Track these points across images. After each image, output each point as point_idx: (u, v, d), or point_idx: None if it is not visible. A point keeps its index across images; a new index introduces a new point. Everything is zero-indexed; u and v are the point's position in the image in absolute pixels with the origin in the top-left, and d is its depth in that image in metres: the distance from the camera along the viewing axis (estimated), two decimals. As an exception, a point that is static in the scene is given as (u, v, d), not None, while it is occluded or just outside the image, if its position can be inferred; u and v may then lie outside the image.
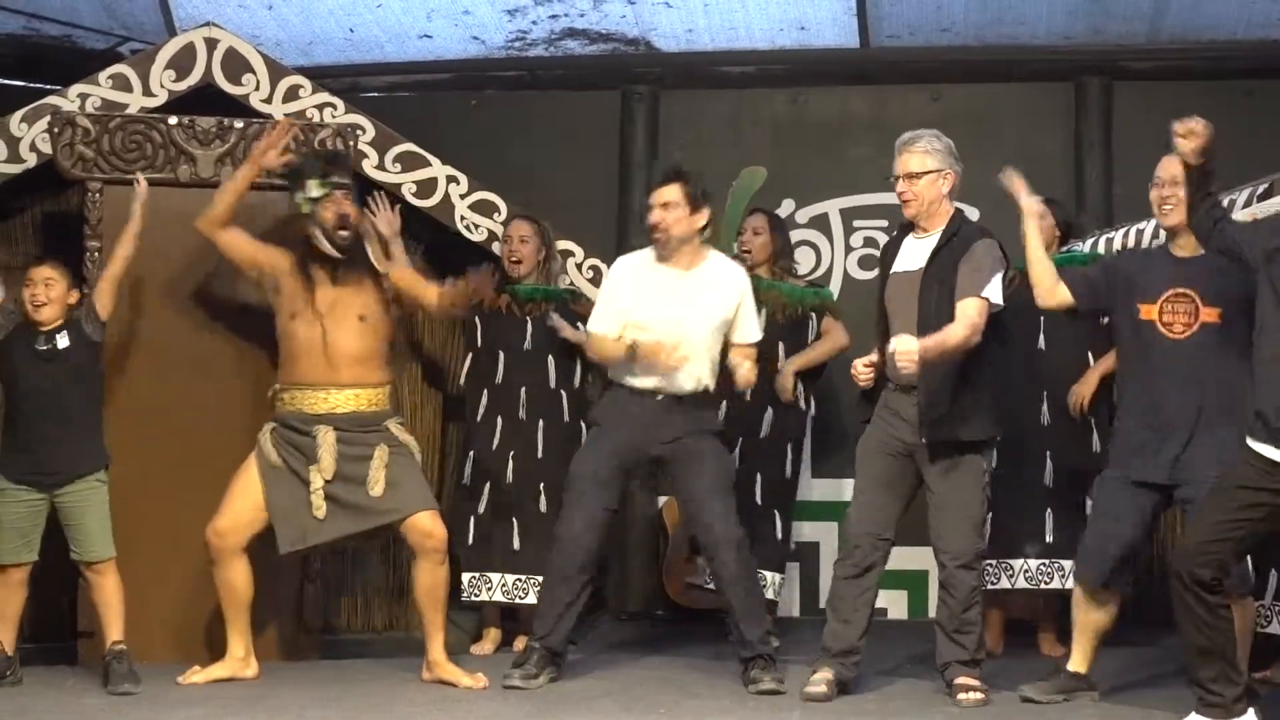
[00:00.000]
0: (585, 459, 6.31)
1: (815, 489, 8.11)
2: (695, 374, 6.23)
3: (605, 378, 6.45)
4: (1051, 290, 5.92)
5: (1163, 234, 5.99)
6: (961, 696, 5.82)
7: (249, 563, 6.28)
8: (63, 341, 6.21)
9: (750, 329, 6.34)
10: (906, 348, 5.66)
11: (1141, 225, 7.12)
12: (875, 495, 5.99)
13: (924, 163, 5.96)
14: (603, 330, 6.33)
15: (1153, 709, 5.71)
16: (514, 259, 7.14)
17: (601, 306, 6.38)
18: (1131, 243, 7.08)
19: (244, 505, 6.25)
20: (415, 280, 6.47)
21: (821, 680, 5.94)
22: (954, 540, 5.89)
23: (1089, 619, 5.86)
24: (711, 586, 6.70)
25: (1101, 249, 7.23)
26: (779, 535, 7.18)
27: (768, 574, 7.04)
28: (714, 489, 6.19)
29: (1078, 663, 5.90)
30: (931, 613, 6.68)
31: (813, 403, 7.39)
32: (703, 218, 6.25)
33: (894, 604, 8.11)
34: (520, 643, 6.91)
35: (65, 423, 6.18)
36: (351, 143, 6.97)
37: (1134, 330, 5.76)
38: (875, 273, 6.47)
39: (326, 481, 6.19)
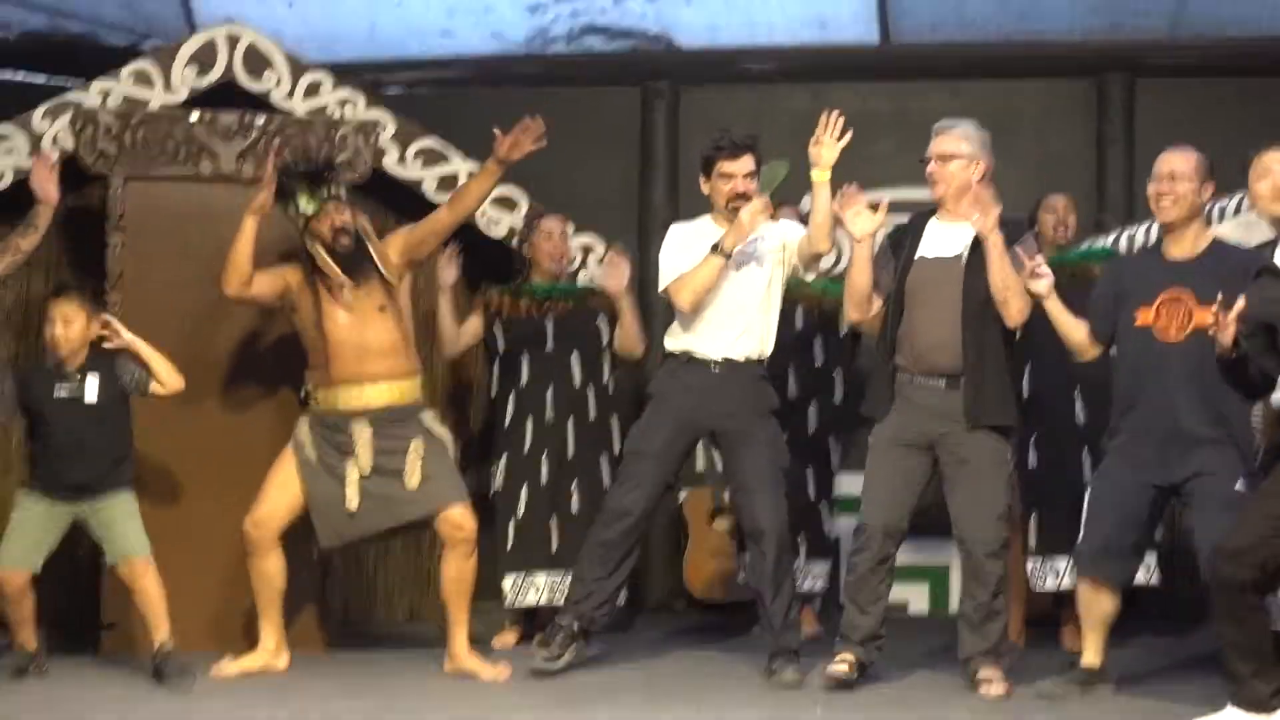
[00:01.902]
0: (642, 432, 6.29)
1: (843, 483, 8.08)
2: (746, 338, 6.20)
3: (665, 348, 6.39)
4: (1087, 346, 5.95)
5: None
6: (984, 690, 5.82)
7: (283, 555, 6.31)
8: (90, 393, 6.16)
9: (798, 230, 6.27)
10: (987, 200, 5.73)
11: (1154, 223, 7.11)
12: (891, 487, 5.99)
13: (958, 146, 5.99)
14: (680, 270, 6.24)
15: (1170, 701, 5.70)
16: (557, 255, 7.15)
17: (668, 261, 6.30)
18: (1153, 240, 7.07)
19: (282, 497, 6.27)
20: (416, 229, 6.43)
21: (844, 661, 5.95)
22: (981, 529, 5.89)
23: (1098, 611, 5.86)
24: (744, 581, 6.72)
25: (1123, 246, 7.23)
26: (825, 529, 7.24)
27: (813, 567, 7.08)
28: (763, 478, 6.17)
29: (1091, 657, 5.89)
30: (953, 607, 6.69)
31: (821, 393, 7.34)
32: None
33: (915, 597, 8.09)
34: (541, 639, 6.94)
35: (94, 455, 6.16)
36: (372, 138, 6.98)
37: (1131, 337, 5.76)
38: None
39: (363, 477, 6.21)
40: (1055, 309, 5.92)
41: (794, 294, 6.88)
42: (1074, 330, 5.94)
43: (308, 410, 6.38)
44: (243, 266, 6.27)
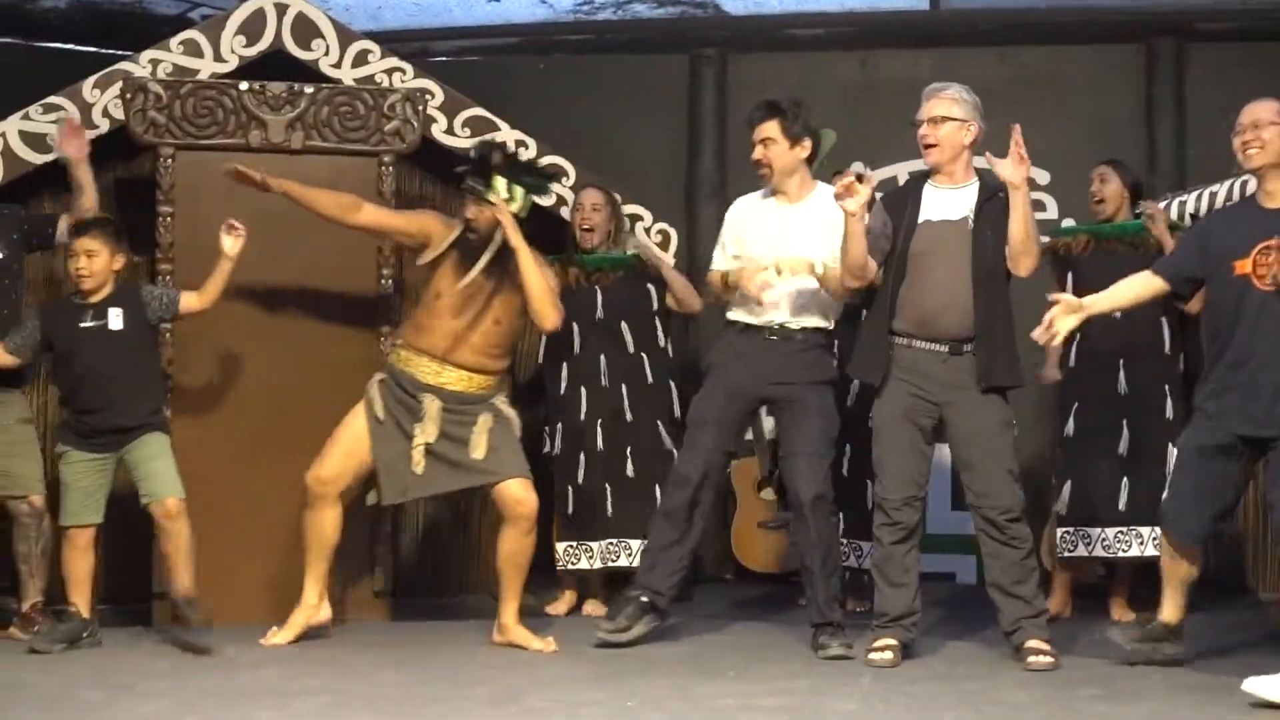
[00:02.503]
0: (701, 402, 6.32)
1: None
2: (804, 308, 6.20)
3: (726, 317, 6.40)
4: (1146, 289, 5.90)
5: (1238, 192, 5.94)
6: (1031, 660, 5.81)
7: (341, 512, 6.34)
8: (115, 321, 6.24)
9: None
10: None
11: (1215, 188, 7.07)
12: (904, 457, 5.98)
13: (949, 109, 5.96)
14: (715, 268, 6.36)
15: (1221, 674, 5.68)
16: (586, 227, 7.14)
17: (717, 249, 6.41)
18: (1204, 206, 7.04)
19: (349, 455, 6.30)
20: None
21: (885, 647, 5.94)
22: (1000, 494, 5.89)
23: (1180, 573, 5.83)
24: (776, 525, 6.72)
25: (1174, 212, 7.19)
26: (869, 505, 7.15)
27: (863, 544, 7.04)
28: (812, 448, 6.17)
29: (1170, 613, 5.86)
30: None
31: None
32: (805, 149, 6.23)
33: (963, 569, 8.08)
34: (591, 607, 6.96)
35: (121, 392, 6.22)
36: (421, 107, 6.98)
37: (1227, 287, 5.70)
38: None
39: (429, 442, 6.24)
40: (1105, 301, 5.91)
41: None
42: (1131, 291, 5.90)
43: (383, 366, 6.41)
44: (327, 215, 6.40)
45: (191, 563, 6.18)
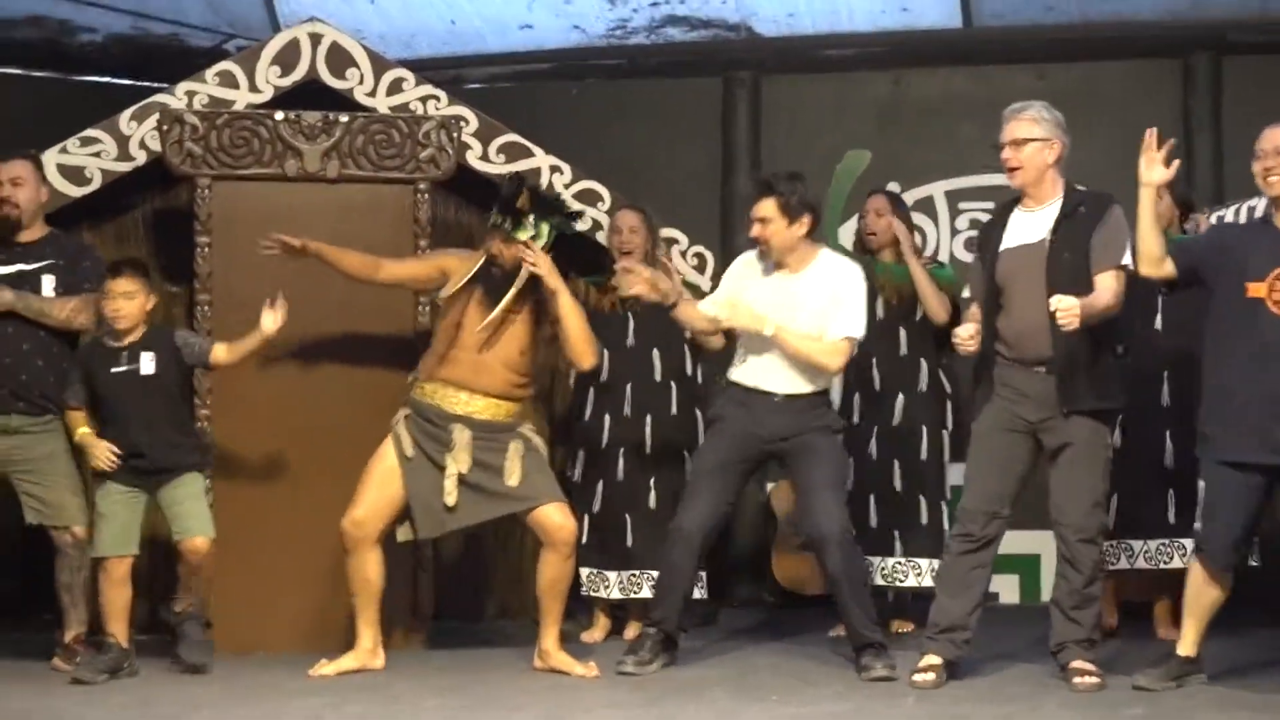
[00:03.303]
0: (704, 454, 6.35)
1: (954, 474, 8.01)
2: (801, 375, 6.21)
3: (726, 377, 6.42)
4: (1157, 261, 5.83)
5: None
6: (1076, 680, 5.78)
7: (382, 554, 6.34)
8: (147, 365, 6.24)
9: (838, 324, 6.21)
10: (1070, 304, 5.60)
11: (1253, 202, 7.02)
12: (993, 472, 5.95)
13: (1030, 130, 5.92)
14: (705, 306, 6.36)
15: (1266, 693, 5.65)
16: (625, 250, 7.13)
17: (717, 292, 6.44)
18: (1243, 220, 6.99)
19: (381, 495, 6.29)
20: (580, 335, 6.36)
21: (929, 667, 5.91)
22: (1077, 514, 5.85)
23: (1206, 599, 5.79)
24: None
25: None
26: (924, 520, 7.12)
27: (921, 561, 7.01)
28: (824, 483, 6.17)
29: (1188, 646, 5.83)
30: (1044, 596, 6.65)
31: (946, 384, 7.26)
32: (803, 225, 6.21)
33: (1006, 588, 8.05)
34: (631, 631, 6.94)
35: (154, 435, 6.23)
36: (455, 134, 6.99)
37: (1239, 308, 5.67)
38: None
39: (462, 472, 6.24)
40: (1145, 213, 5.82)
41: (876, 281, 6.88)
42: (1152, 238, 5.80)
43: (406, 401, 6.41)
44: (353, 275, 6.45)
45: (200, 589, 6.22)
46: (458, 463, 6.23)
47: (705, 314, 6.33)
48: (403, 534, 6.45)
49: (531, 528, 6.31)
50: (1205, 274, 5.81)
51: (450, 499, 6.23)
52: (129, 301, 6.25)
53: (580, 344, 6.26)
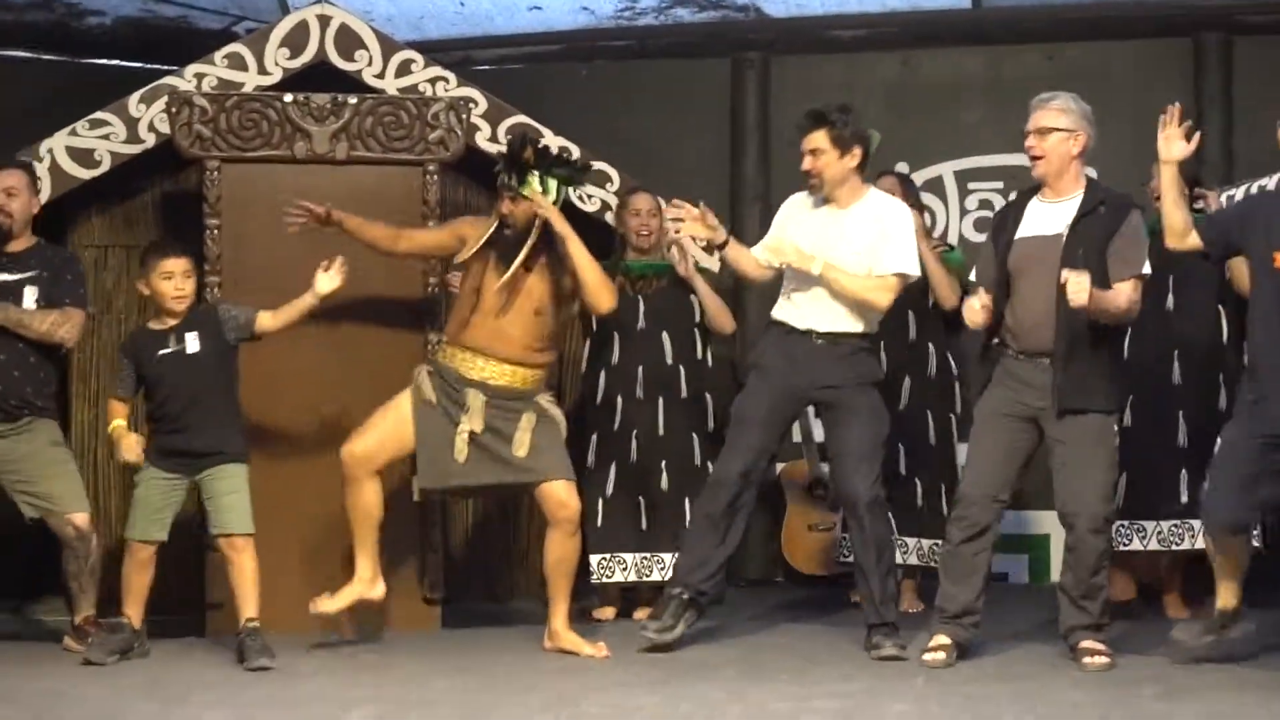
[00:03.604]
0: (745, 402, 6.28)
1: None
2: (844, 314, 6.18)
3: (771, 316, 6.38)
4: (1182, 234, 5.85)
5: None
6: (1086, 660, 5.78)
7: (380, 485, 6.35)
8: (192, 345, 6.24)
9: (889, 259, 6.14)
10: (1082, 279, 5.60)
11: (1263, 181, 7.02)
12: (993, 457, 5.95)
13: (1057, 119, 5.90)
14: (757, 250, 6.33)
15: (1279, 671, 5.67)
16: (644, 233, 7.13)
17: (773, 228, 6.39)
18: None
19: (387, 434, 6.31)
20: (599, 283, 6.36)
21: (939, 647, 5.92)
22: (1084, 503, 5.84)
23: (1230, 563, 5.81)
24: (847, 559, 6.71)
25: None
26: (919, 503, 7.14)
27: (909, 540, 7.04)
28: (861, 448, 6.15)
29: (1226, 599, 5.83)
30: (1054, 577, 6.65)
31: (954, 368, 7.25)
32: (854, 157, 6.16)
33: (1015, 569, 8.05)
34: (641, 613, 6.94)
35: (200, 415, 6.22)
36: (464, 115, 6.99)
37: (1269, 277, 5.66)
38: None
39: (475, 432, 6.24)
40: (1169, 188, 5.83)
41: None
42: (1177, 212, 5.83)
43: (427, 361, 6.43)
44: (374, 245, 6.46)
45: (256, 592, 6.18)
46: (471, 422, 6.23)
47: (755, 257, 6.30)
48: (419, 492, 6.49)
49: (538, 501, 6.31)
50: (1237, 243, 5.81)
51: (460, 455, 6.23)
52: (189, 280, 6.26)
53: (596, 287, 6.24)
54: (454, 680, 5.76)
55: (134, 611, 6.23)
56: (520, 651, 6.32)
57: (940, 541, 6.90)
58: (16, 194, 6.43)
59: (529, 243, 6.22)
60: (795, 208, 6.36)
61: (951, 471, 7.10)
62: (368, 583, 6.39)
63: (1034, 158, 5.93)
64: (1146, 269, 5.85)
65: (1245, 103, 8.15)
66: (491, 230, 6.30)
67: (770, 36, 8.73)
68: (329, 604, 6.34)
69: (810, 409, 6.59)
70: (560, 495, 6.23)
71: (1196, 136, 5.83)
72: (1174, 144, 5.77)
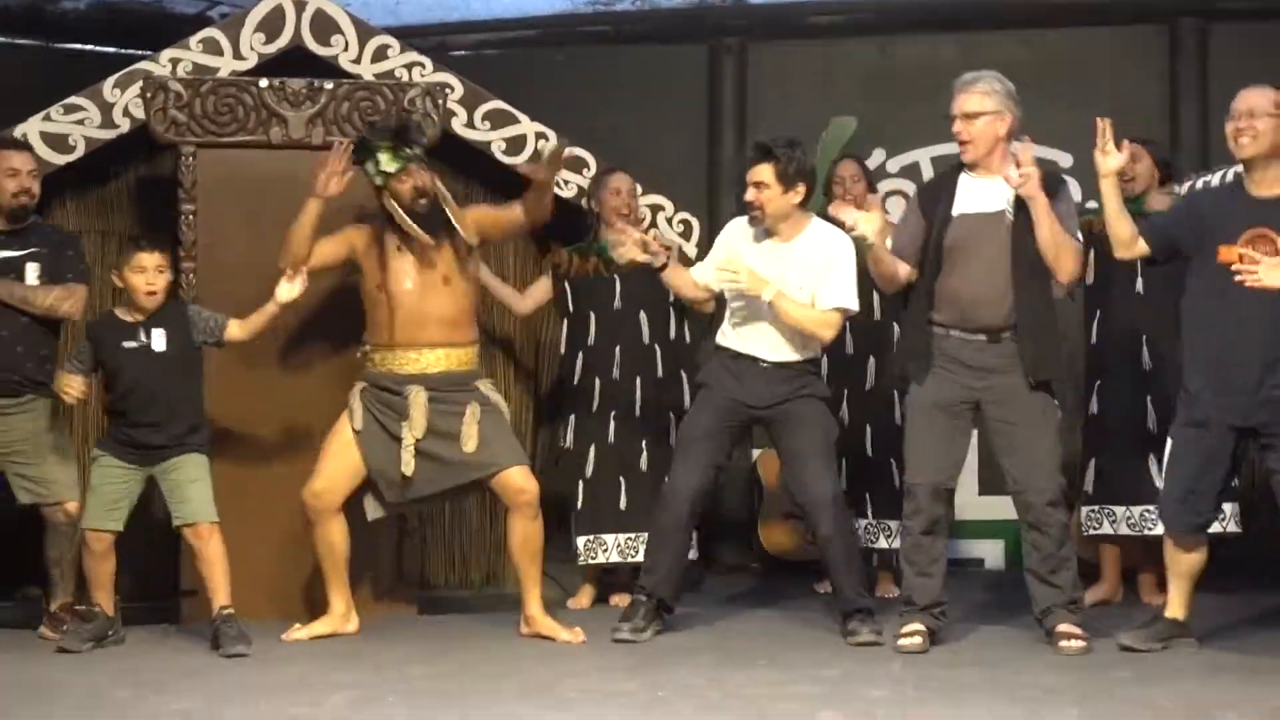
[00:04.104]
0: (693, 419, 6.34)
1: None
2: (790, 343, 6.20)
3: (714, 343, 6.40)
4: (1129, 244, 5.90)
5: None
6: (1063, 644, 5.79)
7: (345, 521, 6.34)
8: (158, 342, 6.21)
9: (831, 294, 6.18)
10: (1028, 169, 5.71)
11: (1239, 168, 7.01)
12: (934, 446, 5.96)
13: (982, 103, 5.90)
14: (696, 272, 6.37)
15: (1255, 655, 5.67)
16: (624, 212, 7.11)
17: (708, 258, 6.40)
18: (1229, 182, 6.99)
19: (339, 466, 6.31)
20: (494, 212, 6.50)
21: (914, 633, 5.92)
22: (1039, 479, 5.86)
23: (1182, 564, 5.82)
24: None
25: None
26: (896, 484, 7.13)
27: (891, 523, 7.02)
28: (814, 448, 6.19)
29: (1175, 609, 5.85)
30: (1030, 562, 6.65)
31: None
32: (798, 194, 6.18)
33: (991, 554, 8.06)
34: (617, 599, 6.94)
35: (162, 410, 6.20)
36: (440, 101, 6.97)
37: (1211, 272, 5.67)
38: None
39: (418, 440, 6.23)
40: (1110, 200, 5.86)
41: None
42: (1121, 223, 5.86)
43: (361, 375, 6.40)
44: (300, 249, 6.29)
45: (227, 579, 6.16)
46: (413, 430, 6.22)
47: (695, 280, 6.33)
48: (372, 511, 6.46)
49: (495, 492, 6.30)
50: (1182, 245, 5.84)
51: (408, 469, 6.23)
52: (161, 275, 6.23)
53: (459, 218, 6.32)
54: (431, 667, 5.75)
55: (104, 599, 6.21)
56: (497, 637, 6.31)
57: None
58: (36, 174, 6.46)
59: (447, 207, 6.28)
60: (738, 236, 6.34)
61: None
62: (341, 618, 6.39)
63: (963, 143, 5.92)
64: (1079, 238, 5.94)
65: (1221, 89, 8.06)
66: (378, 229, 6.33)
67: (748, 23, 8.73)
68: (300, 633, 6.32)
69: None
70: (517, 481, 6.23)
71: (1127, 145, 5.87)
72: (1109, 157, 5.80)
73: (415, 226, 6.25)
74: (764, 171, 6.17)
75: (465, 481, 6.32)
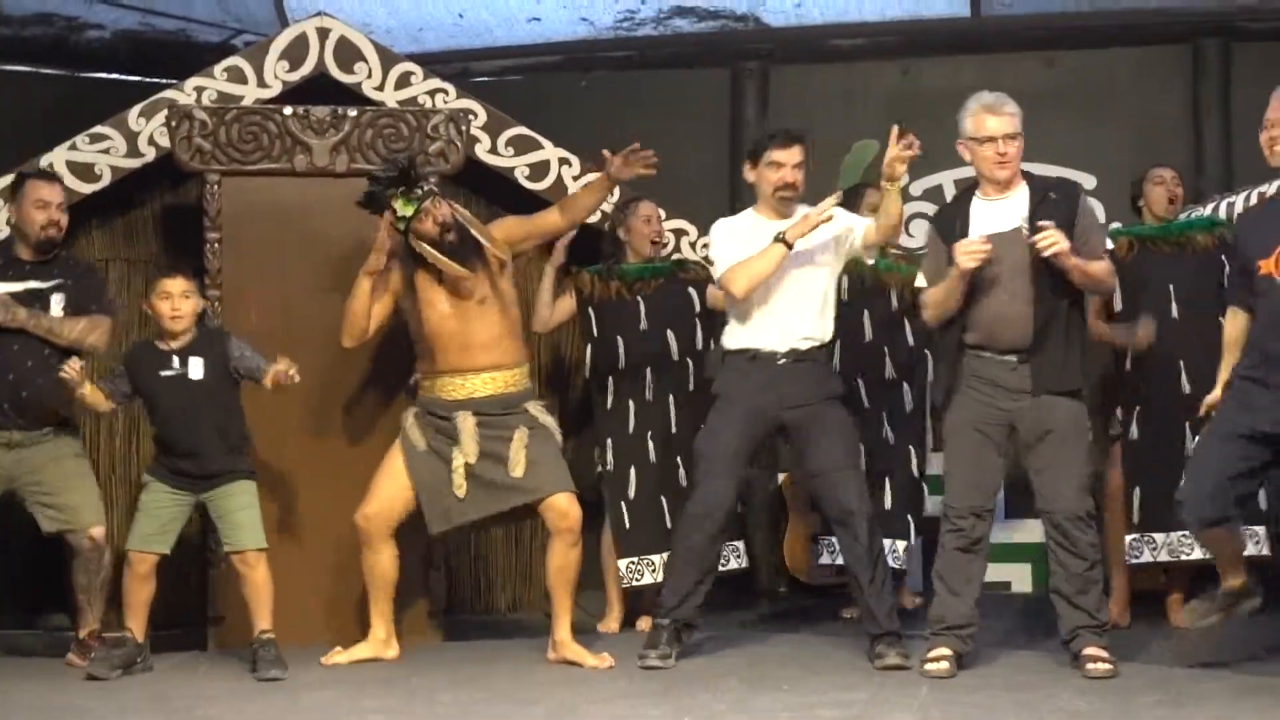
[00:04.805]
0: (712, 432, 6.29)
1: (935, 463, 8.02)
2: (808, 327, 6.20)
3: (724, 349, 6.39)
4: (1238, 327, 5.81)
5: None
6: (1090, 667, 5.77)
7: (395, 548, 6.38)
8: (195, 370, 6.23)
9: (851, 217, 6.26)
10: (1049, 228, 5.68)
11: (1263, 188, 7.01)
12: (974, 469, 5.95)
13: (1017, 125, 5.93)
14: (735, 260, 6.22)
15: (1284, 678, 5.66)
16: (656, 240, 7.16)
17: (721, 253, 6.29)
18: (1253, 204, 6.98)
19: (391, 490, 6.34)
20: (525, 221, 6.51)
21: (941, 657, 5.91)
22: (1068, 498, 5.85)
23: (1226, 550, 5.79)
24: (836, 561, 6.74)
25: (1223, 213, 7.14)
26: (886, 505, 7.13)
27: (900, 543, 7.06)
28: (843, 463, 6.18)
29: (1230, 581, 5.81)
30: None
31: (916, 372, 7.27)
32: None
33: (1018, 577, 8.04)
34: (644, 623, 6.94)
35: (204, 438, 6.23)
36: (464, 127, 6.99)
37: (1253, 286, 5.66)
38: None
39: (469, 464, 6.25)
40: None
41: (886, 277, 7.00)
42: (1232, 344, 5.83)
43: (414, 401, 6.43)
44: (359, 323, 6.42)
45: (270, 604, 6.19)
46: (465, 454, 6.25)
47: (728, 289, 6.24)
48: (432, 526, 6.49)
49: (540, 515, 6.32)
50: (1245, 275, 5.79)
51: (460, 491, 6.26)
52: (186, 301, 6.25)
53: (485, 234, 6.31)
54: (459, 692, 5.76)
55: (136, 625, 6.23)
56: (524, 662, 6.32)
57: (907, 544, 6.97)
58: (64, 206, 6.50)
59: (477, 233, 6.28)
60: (743, 229, 6.29)
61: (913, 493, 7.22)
62: (382, 644, 6.42)
63: (1005, 163, 5.91)
64: (1110, 245, 5.96)
65: (1244, 109, 8.14)
66: (411, 263, 6.34)
67: (769, 46, 8.76)
68: (340, 657, 6.35)
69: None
70: (561, 506, 6.24)
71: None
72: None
73: (449, 262, 6.25)
74: (800, 153, 6.22)
75: (512, 505, 6.34)
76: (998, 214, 5.92)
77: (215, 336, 6.38)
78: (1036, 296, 5.82)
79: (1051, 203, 5.86)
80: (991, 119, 5.92)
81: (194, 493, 6.25)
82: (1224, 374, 5.80)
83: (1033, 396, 5.85)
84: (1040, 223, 5.71)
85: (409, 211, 6.26)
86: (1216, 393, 5.81)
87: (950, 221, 6.02)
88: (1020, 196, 5.92)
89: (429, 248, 6.26)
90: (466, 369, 6.31)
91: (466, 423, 6.27)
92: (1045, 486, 5.90)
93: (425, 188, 6.32)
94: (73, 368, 6.13)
